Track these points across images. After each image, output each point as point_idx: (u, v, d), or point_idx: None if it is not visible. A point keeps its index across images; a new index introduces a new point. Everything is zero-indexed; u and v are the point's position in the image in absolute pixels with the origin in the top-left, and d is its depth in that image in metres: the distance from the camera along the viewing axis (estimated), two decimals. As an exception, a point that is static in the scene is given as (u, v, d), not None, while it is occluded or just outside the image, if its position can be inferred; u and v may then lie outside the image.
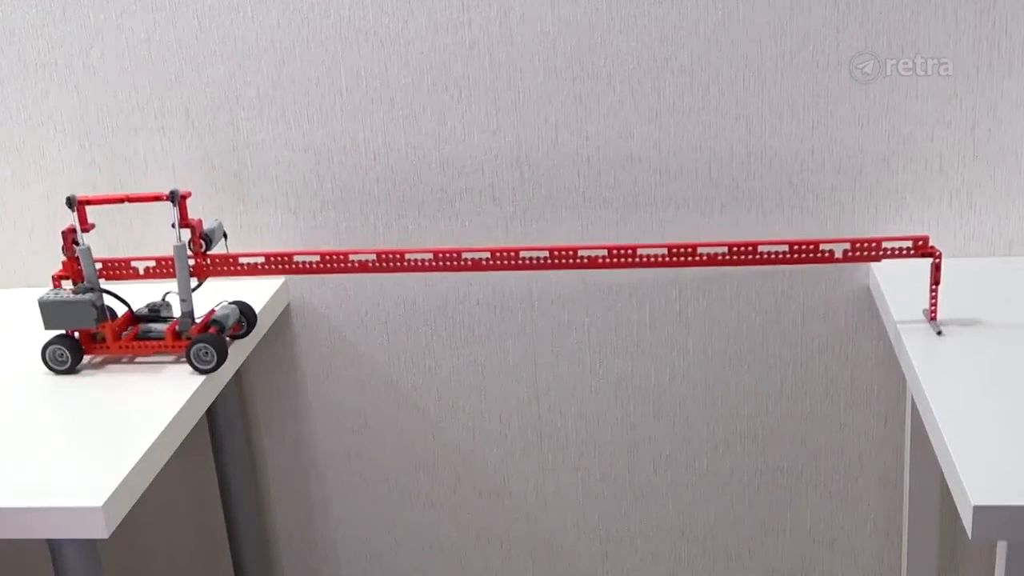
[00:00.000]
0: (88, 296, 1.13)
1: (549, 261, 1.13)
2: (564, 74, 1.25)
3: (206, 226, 1.17)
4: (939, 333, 1.08)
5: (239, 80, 1.30)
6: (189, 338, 1.14)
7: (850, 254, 1.10)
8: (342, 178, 1.32)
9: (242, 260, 1.17)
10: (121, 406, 1.08)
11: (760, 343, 1.34)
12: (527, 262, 1.13)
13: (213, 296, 1.22)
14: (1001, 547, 0.89)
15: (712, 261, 1.11)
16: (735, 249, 1.09)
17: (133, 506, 0.95)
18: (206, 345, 1.12)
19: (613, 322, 1.36)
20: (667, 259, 1.12)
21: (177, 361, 1.16)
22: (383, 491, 1.48)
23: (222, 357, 1.12)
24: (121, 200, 1.16)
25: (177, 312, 1.17)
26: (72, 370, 1.14)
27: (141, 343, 1.16)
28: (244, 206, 1.35)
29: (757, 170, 1.26)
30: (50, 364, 1.14)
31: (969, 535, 0.82)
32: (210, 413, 1.35)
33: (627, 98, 1.25)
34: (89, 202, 1.13)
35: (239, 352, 1.22)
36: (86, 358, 1.17)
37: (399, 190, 1.32)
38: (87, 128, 1.34)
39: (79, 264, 1.14)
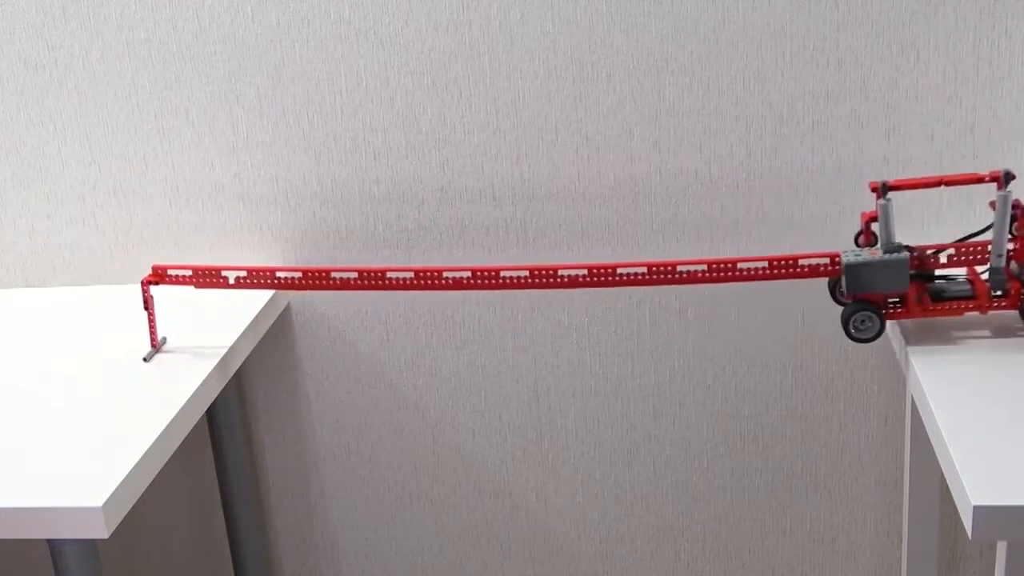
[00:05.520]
0: (902, 255, 1.04)
1: (587, 279, 1.11)
2: (564, 74, 1.25)
3: None
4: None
5: (239, 80, 1.30)
6: (1001, 296, 1.05)
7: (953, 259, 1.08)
8: (342, 178, 1.32)
9: None
10: (121, 405, 1.08)
11: (760, 343, 1.34)
12: (564, 280, 1.12)
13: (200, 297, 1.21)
14: (1001, 547, 0.90)
15: (751, 276, 1.09)
16: (775, 263, 1.08)
17: (133, 506, 0.95)
18: None
19: (613, 322, 1.36)
20: (720, 273, 1.09)
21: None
22: (383, 491, 1.48)
23: None
24: (937, 183, 1.06)
25: None
26: (875, 338, 1.08)
27: (945, 304, 1.07)
28: (244, 206, 1.35)
29: (757, 170, 1.26)
30: (853, 333, 1.08)
31: (969, 535, 0.82)
32: (210, 413, 1.36)
33: (627, 98, 1.25)
34: (899, 187, 1.05)
35: (239, 352, 1.22)
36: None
37: (399, 190, 1.32)
38: (87, 128, 1.34)
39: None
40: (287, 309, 1.39)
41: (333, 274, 1.15)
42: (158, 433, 1.01)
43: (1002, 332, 1.08)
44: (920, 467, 1.28)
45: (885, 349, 1.32)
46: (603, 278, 1.11)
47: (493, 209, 1.31)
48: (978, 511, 0.81)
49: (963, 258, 1.08)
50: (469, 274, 1.12)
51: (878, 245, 1.07)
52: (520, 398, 1.41)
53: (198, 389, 1.10)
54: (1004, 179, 1.02)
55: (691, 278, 1.09)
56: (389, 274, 1.14)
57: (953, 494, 0.87)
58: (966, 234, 1.12)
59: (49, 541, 0.96)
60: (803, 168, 1.26)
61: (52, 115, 1.34)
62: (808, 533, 1.44)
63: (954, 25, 1.18)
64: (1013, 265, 1.07)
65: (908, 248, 1.06)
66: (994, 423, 0.91)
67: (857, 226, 1.27)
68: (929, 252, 1.07)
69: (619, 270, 1.10)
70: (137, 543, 1.56)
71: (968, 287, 1.07)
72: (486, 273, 1.12)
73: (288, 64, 1.28)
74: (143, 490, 0.97)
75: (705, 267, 1.09)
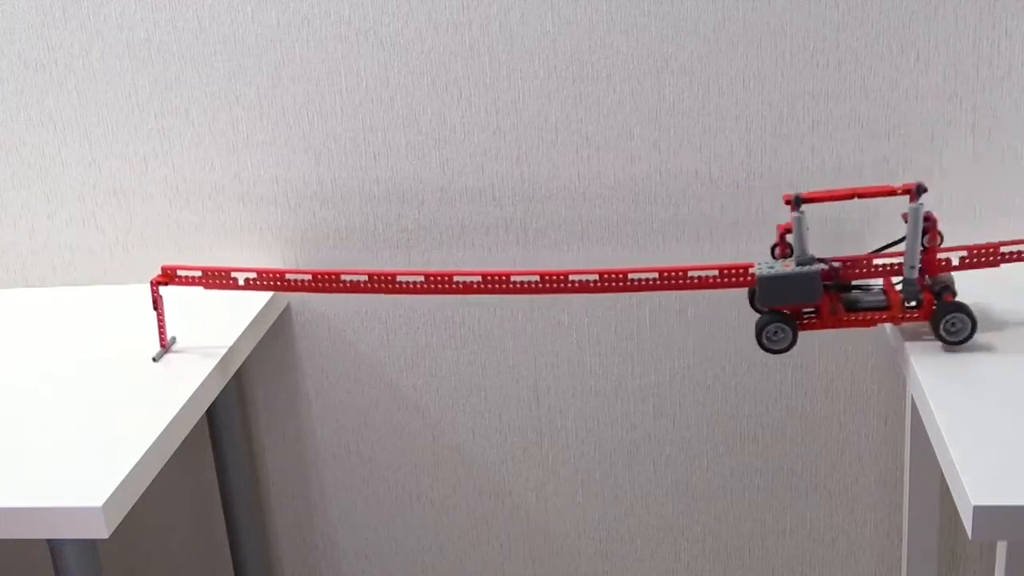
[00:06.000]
0: (814, 268, 1.04)
1: (598, 284, 1.10)
2: (564, 74, 1.25)
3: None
4: None
5: (239, 80, 1.30)
6: (914, 307, 1.06)
7: (967, 261, 1.07)
8: (342, 178, 1.32)
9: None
10: (121, 405, 1.08)
11: (760, 343, 1.34)
12: (575, 285, 1.11)
13: (198, 299, 1.21)
14: (1001, 547, 0.90)
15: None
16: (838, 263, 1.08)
17: (133, 506, 0.95)
18: (959, 315, 1.03)
19: (613, 322, 1.36)
20: (733, 279, 1.08)
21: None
22: (383, 491, 1.48)
23: (975, 327, 1.03)
24: (850, 196, 1.05)
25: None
26: (788, 349, 1.08)
27: (858, 315, 1.07)
28: (244, 206, 1.35)
29: (757, 170, 1.26)
30: (766, 344, 1.08)
31: (969, 535, 0.82)
32: (210, 413, 1.36)
33: (627, 98, 1.25)
34: (813, 199, 1.04)
35: (239, 352, 1.22)
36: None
37: (399, 190, 1.32)
38: (87, 128, 1.34)
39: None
40: (287, 309, 1.39)
41: (343, 277, 1.14)
42: (158, 433, 1.01)
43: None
44: (920, 467, 1.28)
45: (885, 349, 1.32)
46: (614, 283, 1.10)
47: (493, 209, 1.31)
48: (978, 511, 0.81)
49: (883, 269, 1.08)
50: (479, 278, 1.11)
51: (792, 257, 1.07)
52: (520, 398, 1.41)
53: (198, 389, 1.10)
54: (916, 192, 1.03)
55: (702, 283, 1.09)
56: (399, 277, 1.13)
57: (953, 494, 0.87)
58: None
59: (49, 541, 0.96)
60: (803, 168, 1.26)
61: (52, 115, 1.34)
62: (808, 533, 1.44)
63: (954, 25, 1.18)
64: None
65: (821, 260, 1.07)
66: (994, 423, 0.91)
67: (856, 226, 1.27)
68: (848, 262, 1.08)
69: (630, 275, 1.09)
70: (137, 543, 1.56)
71: (883, 297, 1.08)
72: (497, 277, 1.11)
73: (288, 64, 1.28)
74: (143, 490, 0.97)
75: (716, 272, 1.09)
